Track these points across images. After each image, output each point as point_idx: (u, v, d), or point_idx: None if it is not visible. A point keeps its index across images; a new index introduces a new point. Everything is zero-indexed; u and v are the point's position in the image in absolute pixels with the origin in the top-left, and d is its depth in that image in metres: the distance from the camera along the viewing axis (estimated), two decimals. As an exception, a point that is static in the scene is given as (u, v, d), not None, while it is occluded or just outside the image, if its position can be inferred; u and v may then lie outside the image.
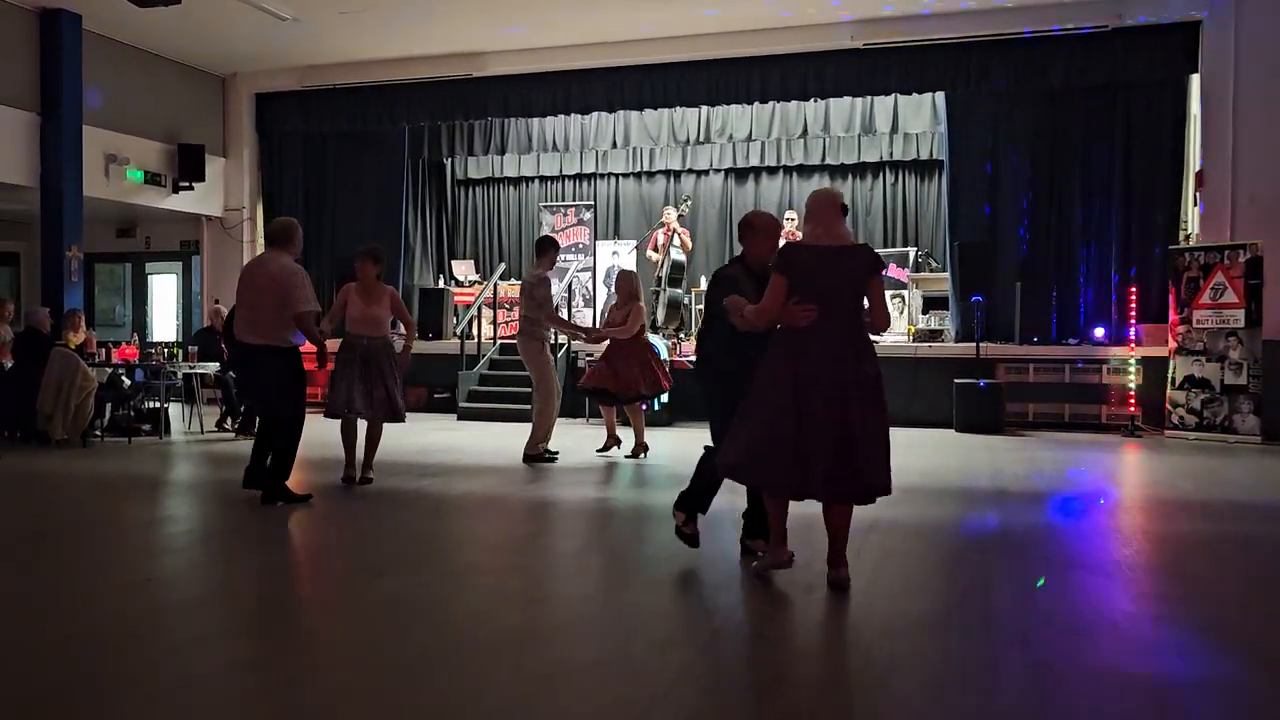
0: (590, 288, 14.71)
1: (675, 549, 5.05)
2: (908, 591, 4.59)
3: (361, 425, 7.36)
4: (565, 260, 14.80)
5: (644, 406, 9.13)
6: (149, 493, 7.54)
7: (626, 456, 8.80)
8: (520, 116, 14.30)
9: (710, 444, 5.01)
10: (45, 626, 4.04)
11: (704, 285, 12.02)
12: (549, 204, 15.95)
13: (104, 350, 10.66)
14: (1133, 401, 10.99)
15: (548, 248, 8.72)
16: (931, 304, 12.93)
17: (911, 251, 13.72)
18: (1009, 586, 4.73)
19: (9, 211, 14.27)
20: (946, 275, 12.62)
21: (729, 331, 4.83)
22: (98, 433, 10.04)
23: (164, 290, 16.14)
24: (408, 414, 7.57)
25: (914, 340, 12.44)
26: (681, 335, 12.84)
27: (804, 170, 15.37)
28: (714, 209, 15.68)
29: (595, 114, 14.36)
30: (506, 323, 14.26)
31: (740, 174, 15.75)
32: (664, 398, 10.22)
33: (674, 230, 13.33)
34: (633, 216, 16.04)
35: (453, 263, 15.99)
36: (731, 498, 5.23)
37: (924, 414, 11.24)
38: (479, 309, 13.35)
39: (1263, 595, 4.70)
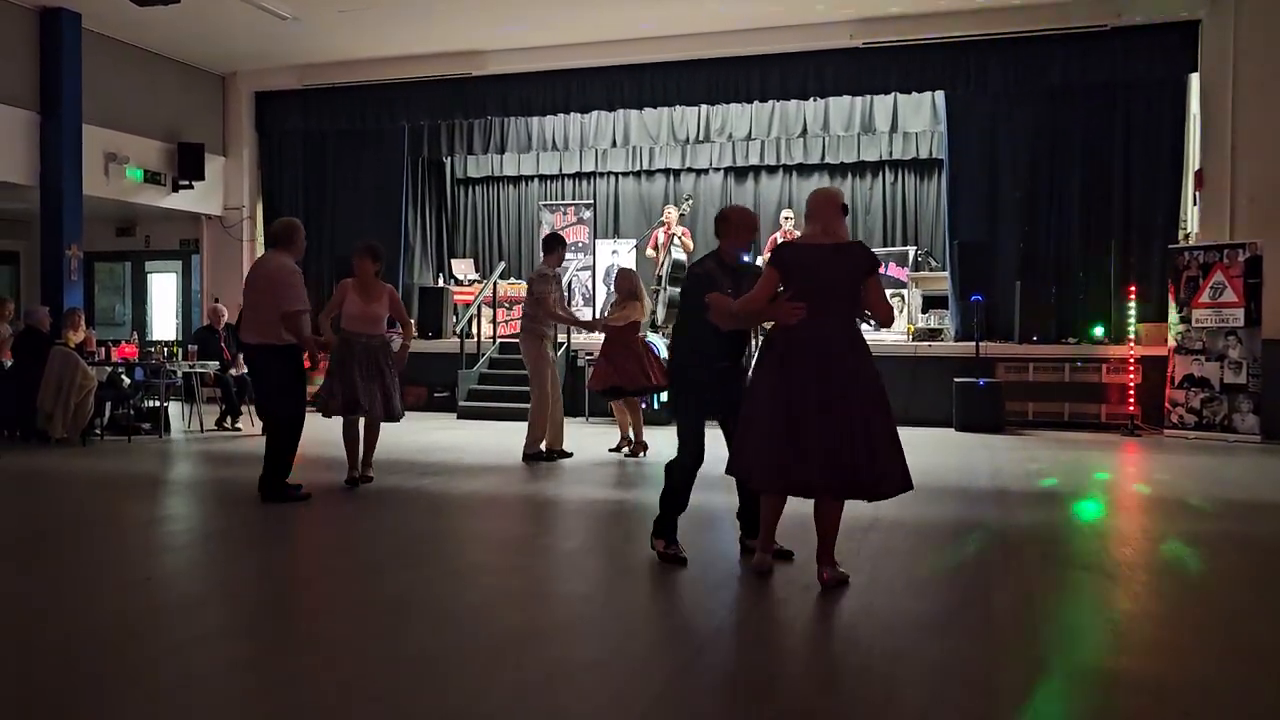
0: (590, 286, 14.70)
1: (675, 547, 5.03)
2: (908, 590, 4.59)
3: (361, 424, 7.34)
4: (565, 259, 14.81)
5: (643, 404, 9.17)
6: (149, 491, 7.54)
7: (626, 455, 8.84)
8: (520, 115, 14.30)
9: (670, 462, 5.03)
10: (45, 626, 4.04)
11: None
12: (549, 203, 15.95)
13: (104, 349, 10.66)
14: (1132, 401, 11.00)
15: (555, 245, 8.74)
16: (931, 303, 12.92)
17: (911, 250, 13.72)
18: (1009, 586, 4.74)
19: (9, 210, 14.27)
20: (946, 274, 12.62)
21: (705, 332, 4.84)
22: (97, 431, 10.04)
23: (164, 289, 16.14)
24: (407, 413, 7.57)
25: (914, 339, 12.44)
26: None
27: (803, 169, 15.38)
28: (714, 208, 15.55)
29: (595, 113, 14.35)
30: (506, 321, 14.26)
31: (740, 173, 15.76)
32: (664, 396, 10.23)
33: (675, 229, 13.33)
34: (632, 215, 16.04)
35: (452, 262, 15.99)
36: (730, 497, 5.22)
37: (924, 413, 11.24)
38: (478, 308, 13.35)
39: (1263, 595, 4.70)
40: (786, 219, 13.41)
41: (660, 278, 13.40)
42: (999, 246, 12.12)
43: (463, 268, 15.62)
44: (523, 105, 13.82)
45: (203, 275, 15.13)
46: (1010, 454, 9.19)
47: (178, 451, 9.50)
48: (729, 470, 4.75)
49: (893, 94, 13.21)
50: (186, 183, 13.83)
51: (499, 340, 13.52)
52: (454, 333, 13.67)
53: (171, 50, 13.64)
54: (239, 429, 10.86)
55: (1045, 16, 11.52)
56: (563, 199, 16.20)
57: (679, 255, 13.23)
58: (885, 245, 14.48)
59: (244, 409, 11.01)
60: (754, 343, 12.12)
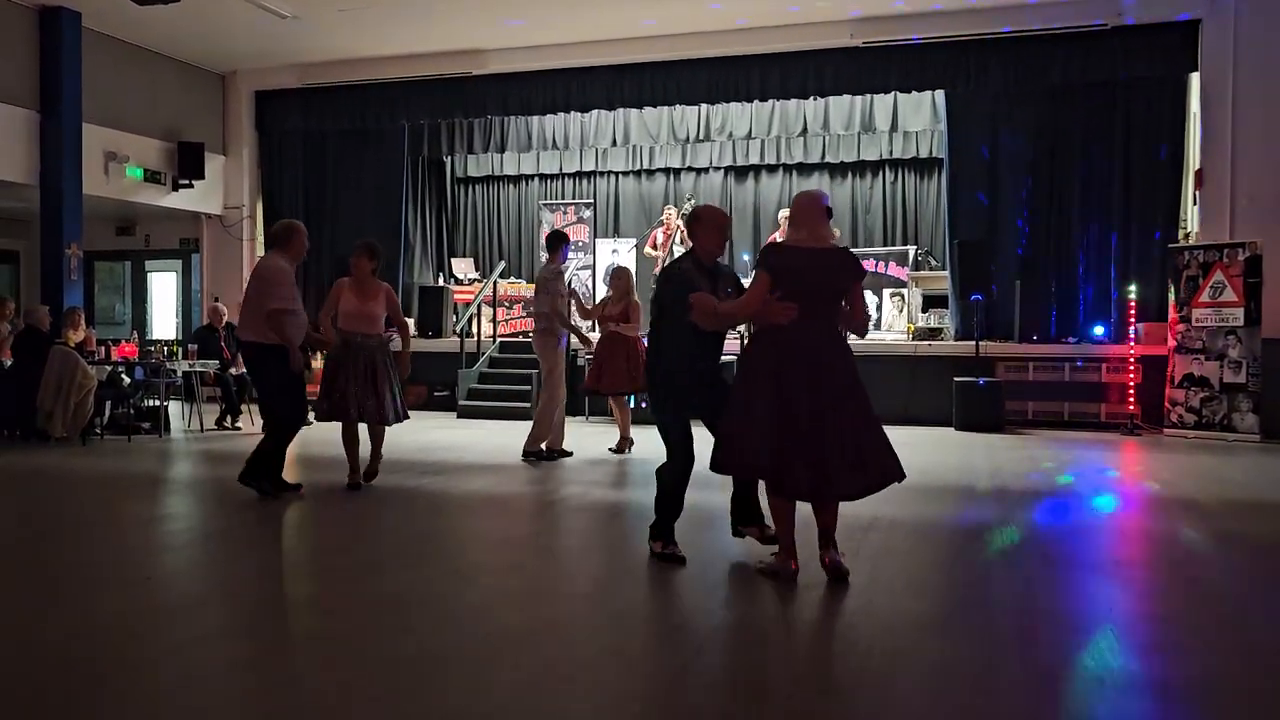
0: (590, 286, 14.70)
1: (675, 546, 5.03)
2: (908, 590, 4.60)
3: (362, 427, 7.21)
4: (566, 258, 14.81)
5: (629, 402, 9.24)
6: (149, 491, 7.54)
7: (610, 450, 8.89)
8: (520, 114, 14.30)
9: (661, 466, 5.00)
10: (45, 625, 4.04)
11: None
12: (549, 202, 15.95)
13: (104, 348, 10.66)
14: (1132, 400, 11.00)
15: (559, 243, 8.73)
16: (931, 302, 12.93)
17: (911, 250, 13.72)
18: (1009, 585, 4.74)
19: (8, 209, 14.27)
20: (946, 273, 12.62)
21: (685, 333, 4.82)
22: (97, 431, 10.04)
23: (163, 288, 16.14)
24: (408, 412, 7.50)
25: (913, 338, 12.44)
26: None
27: (804, 168, 15.37)
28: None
29: (595, 112, 14.36)
30: (506, 321, 14.27)
31: (740, 172, 15.75)
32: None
33: (675, 229, 13.34)
34: (632, 214, 16.05)
35: (452, 261, 15.99)
36: (727, 495, 5.22)
37: (923, 412, 11.25)
38: (478, 307, 13.36)
39: (1263, 594, 4.71)
40: (785, 219, 13.38)
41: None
42: (999, 245, 12.12)
43: (463, 267, 15.62)
44: (523, 104, 13.82)
45: (203, 274, 15.13)
46: (1010, 453, 9.20)
47: (178, 451, 9.50)
48: (714, 467, 4.73)
49: (893, 93, 13.21)
50: (186, 182, 13.83)
51: (499, 339, 13.52)
52: (454, 332, 13.68)
53: (171, 49, 13.64)
54: (239, 428, 10.86)
55: (1045, 16, 11.52)
56: (563, 198, 16.20)
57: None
58: (885, 244, 14.48)
59: (244, 408, 11.01)
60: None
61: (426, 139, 15.28)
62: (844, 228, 14.53)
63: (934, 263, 13.65)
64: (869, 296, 13.25)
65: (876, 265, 13.38)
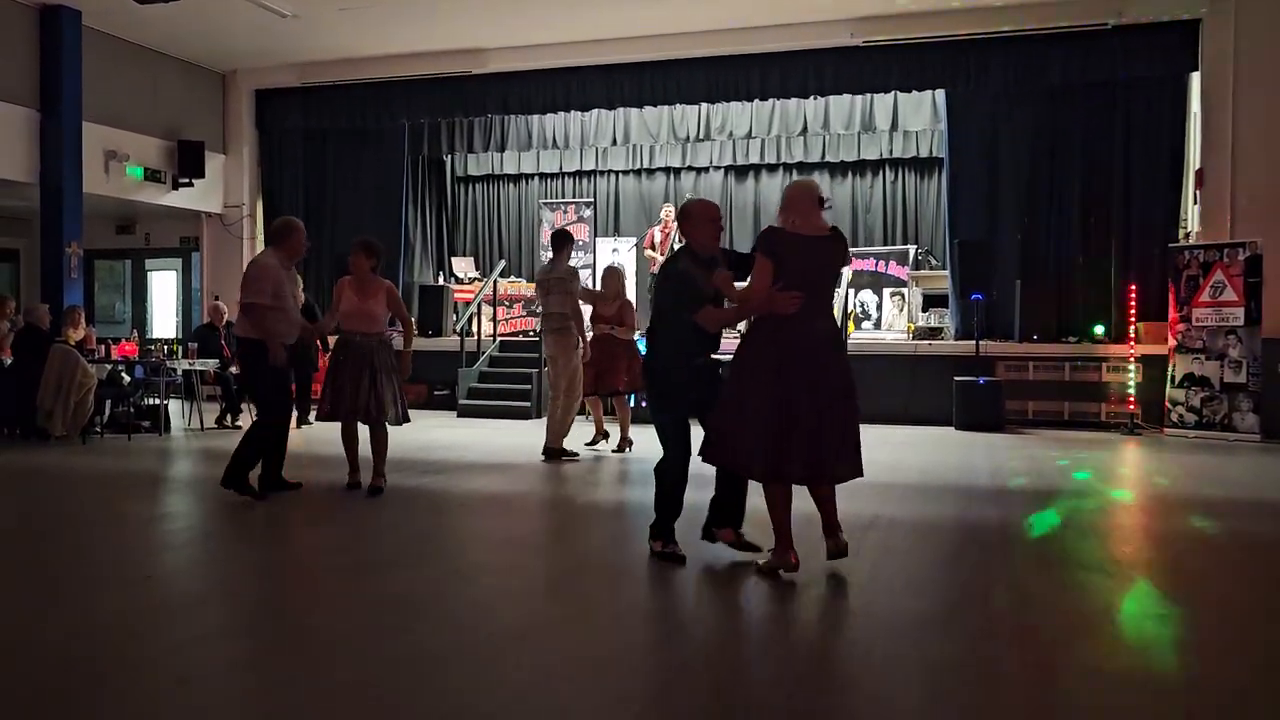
0: (590, 285, 14.69)
1: (675, 546, 5.03)
2: (908, 589, 4.59)
3: (363, 427, 7.07)
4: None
5: (629, 401, 9.24)
6: (149, 489, 7.54)
7: (613, 451, 8.87)
8: (520, 113, 14.30)
9: (660, 464, 4.98)
10: (45, 624, 4.04)
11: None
12: (549, 201, 15.95)
13: (104, 347, 10.66)
14: (1132, 400, 11.00)
15: (565, 242, 8.71)
16: (931, 302, 12.94)
17: (911, 249, 13.72)
18: (1009, 585, 4.74)
19: (9, 208, 14.27)
20: (946, 273, 12.62)
21: (682, 331, 4.82)
22: (97, 429, 10.04)
23: (164, 287, 16.15)
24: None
25: (914, 338, 12.45)
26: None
27: (804, 168, 15.35)
28: (714, 207, 15.66)
29: (595, 111, 14.36)
30: (506, 320, 14.27)
31: (740, 171, 15.75)
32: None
33: (673, 228, 13.32)
34: (632, 213, 16.05)
35: (452, 260, 15.99)
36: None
37: (924, 412, 11.25)
38: (479, 306, 13.36)
39: (1263, 593, 4.70)
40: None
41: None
42: (999, 245, 12.12)
43: (463, 266, 15.62)
44: (523, 103, 13.82)
45: (203, 273, 15.13)
46: (1010, 453, 9.19)
47: (178, 449, 9.50)
48: (706, 458, 4.73)
49: (893, 92, 13.21)
50: (187, 180, 13.83)
51: (499, 339, 13.52)
52: (454, 331, 13.68)
53: (172, 48, 13.64)
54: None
55: (1046, 15, 11.51)
56: (563, 197, 16.20)
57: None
58: (885, 244, 14.48)
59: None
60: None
61: (427, 138, 15.27)
62: (844, 227, 14.52)
63: (934, 262, 13.65)
64: (869, 295, 13.31)
65: (876, 265, 13.39)
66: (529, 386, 12.06)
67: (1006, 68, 11.94)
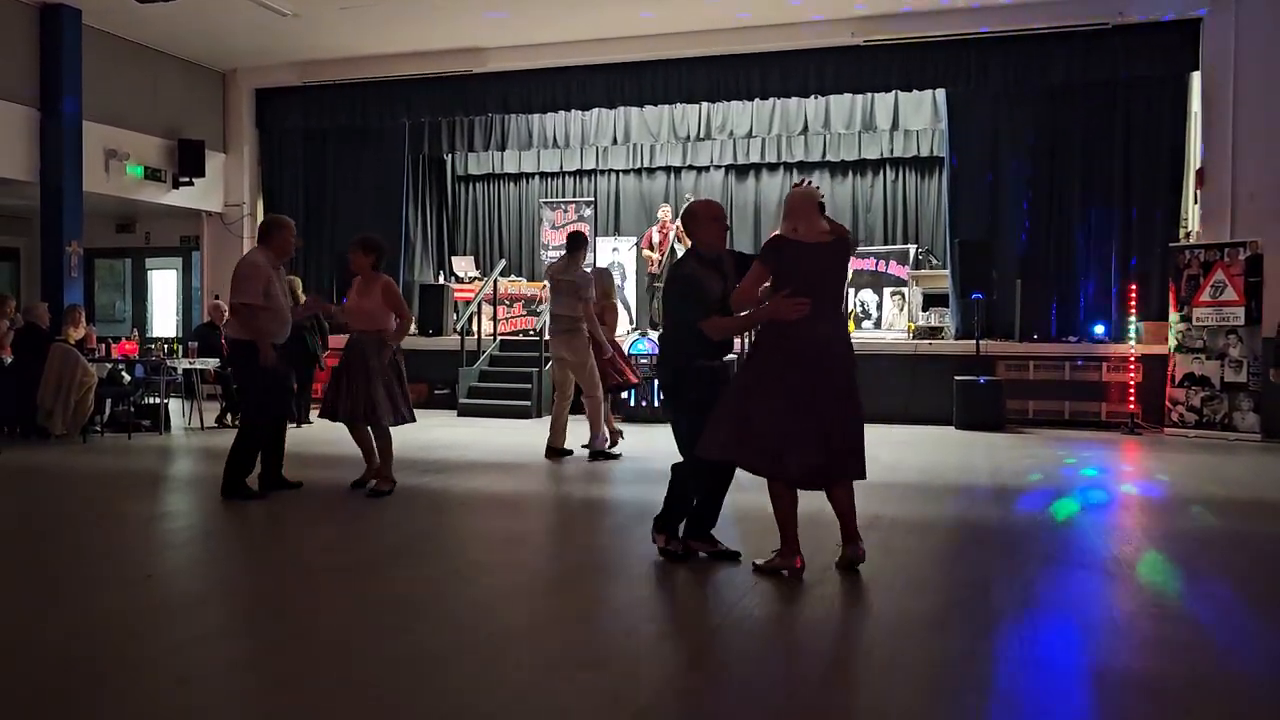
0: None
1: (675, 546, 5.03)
2: (908, 589, 4.59)
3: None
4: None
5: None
6: (149, 488, 7.54)
7: (583, 446, 8.80)
8: (520, 113, 14.28)
9: (677, 462, 4.97)
10: (45, 624, 4.04)
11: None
12: (549, 200, 15.95)
13: (104, 346, 10.66)
14: (1133, 399, 11.00)
15: (581, 244, 8.72)
16: (932, 301, 12.93)
17: (912, 249, 13.72)
18: (1009, 584, 4.74)
19: (9, 207, 14.27)
20: (947, 272, 12.62)
21: (693, 332, 4.77)
22: (98, 428, 10.04)
23: (164, 286, 16.14)
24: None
25: (914, 337, 12.44)
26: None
27: (804, 167, 15.35)
28: (714, 206, 15.64)
29: (595, 110, 14.34)
30: (507, 319, 14.27)
31: (740, 170, 15.75)
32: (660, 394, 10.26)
33: (671, 228, 13.35)
34: (633, 213, 16.04)
35: (453, 259, 15.99)
36: (735, 495, 5.21)
37: (924, 411, 11.25)
38: (479, 305, 13.36)
39: (1263, 593, 4.70)
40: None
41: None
42: (999, 244, 12.12)
43: (463, 265, 15.62)
44: (523, 103, 13.81)
45: (203, 272, 15.13)
46: (1010, 452, 9.19)
47: (178, 448, 9.50)
48: (703, 453, 4.70)
49: (894, 92, 13.20)
50: (187, 179, 13.83)
51: (499, 338, 13.52)
52: (454, 330, 13.67)
53: (172, 47, 13.63)
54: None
55: (1046, 14, 11.50)
56: (563, 196, 16.20)
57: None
58: (886, 243, 14.48)
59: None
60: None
61: (427, 137, 15.26)
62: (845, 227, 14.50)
63: (935, 262, 13.65)
64: (869, 295, 13.31)
65: (877, 264, 13.39)
66: (529, 386, 12.06)
67: (1007, 67, 11.93)
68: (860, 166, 15.14)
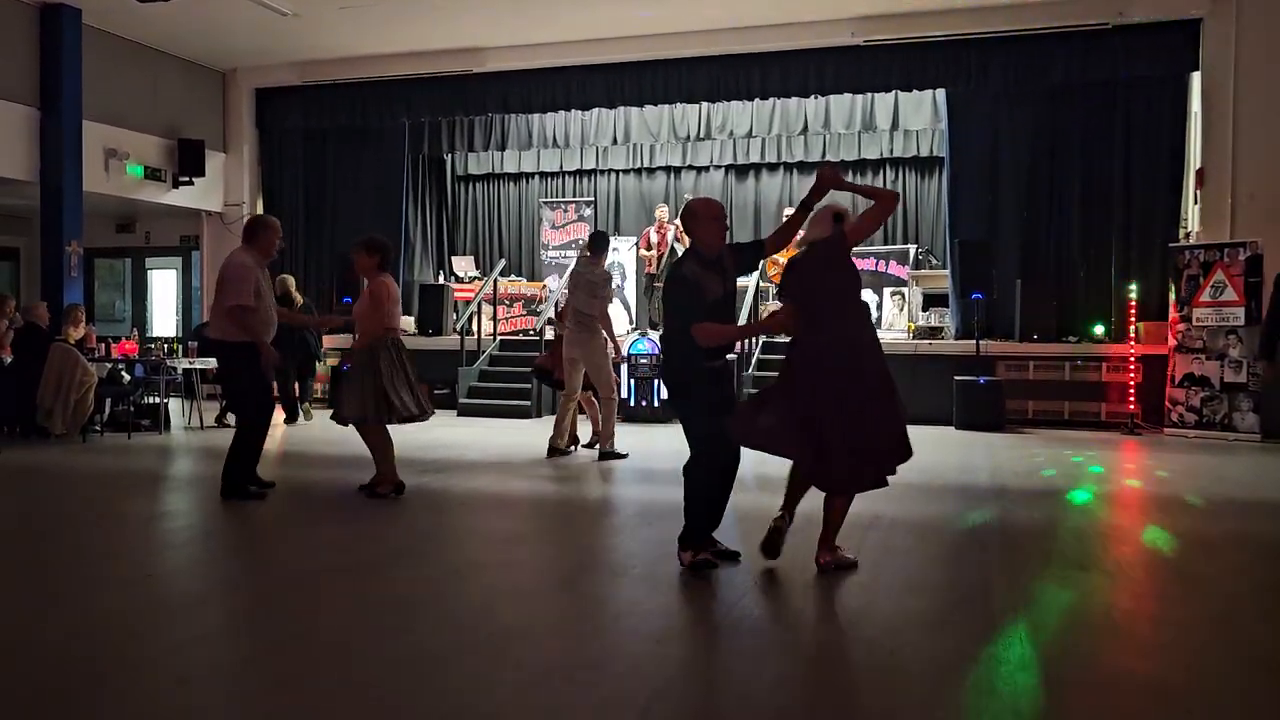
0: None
1: (675, 545, 5.02)
2: (908, 589, 4.59)
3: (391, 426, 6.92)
4: (566, 257, 14.83)
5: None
6: (149, 488, 7.54)
7: (584, 446, 8.89)
8: (520, 112, 14.29)
9: (689, 464, 4.82)
10: (44, 623, 4.04)
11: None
12: (549, 200, 15.95)
13: (104, 345, 10.66)
14: (1132, 399, 11.00)
15: (604, 243, 8.75)
16: (931, 301, 12.94)
17: (912, 249, 13.72)
18: (1009, 585, 4.74)
19: (9, 206, 14.27)
20: (946, 272, 12.62)
21: (694, 340, 4.69)
22: (97, 428, 10.04)
23: (164, 285, 16.14)
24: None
25: (914, 337, 12.44)
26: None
27: (804, 167, 15.36)
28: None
29: (595, 110, 14.35)
30: (507, 319, 14.27)
31: (740, 170, 15.76)
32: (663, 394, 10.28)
33: (668, 228, 13.35)
34: (633, 213, 16.05)
35: (453, 259, 16.00)
36: (741, 495, 5.20)
37: (924, 411, 11.19)
38: (479, 305, 13.36)
39: (1262, 593, 4.71)
40: (788, 217, 13.38)
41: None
42: (999, 245, 12.12)
43: (463, 265, 15.62)
44: (523, 102, 13.81)
45: (203, 272, 15.13)
46: (1010, 452, 9.19)
47: (178, 448, 9.50)
48: (742, 441, 4.75)
49: (894, 92, 13.21)
50: (187, 179, 13.83)
51: (499, 337, 13.52)
52: (454, 330, 13.67)
53: (172, 46, 13.63)
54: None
55: (1046, 14, 11.51)
56: (563, 196, 16.20)
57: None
58: (886, 243, 14.47)
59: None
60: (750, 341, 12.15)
61: (427, 137, 15.26)
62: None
63: (934, 262, 13.65)
64: (869, 295, 13.31)
65: (877, 264, 13.39)
66: (529, 385, 12.06)
67: (1007, 67, 11.94)
68: (860, 166, 15.13)
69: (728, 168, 15.73)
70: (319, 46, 13.50)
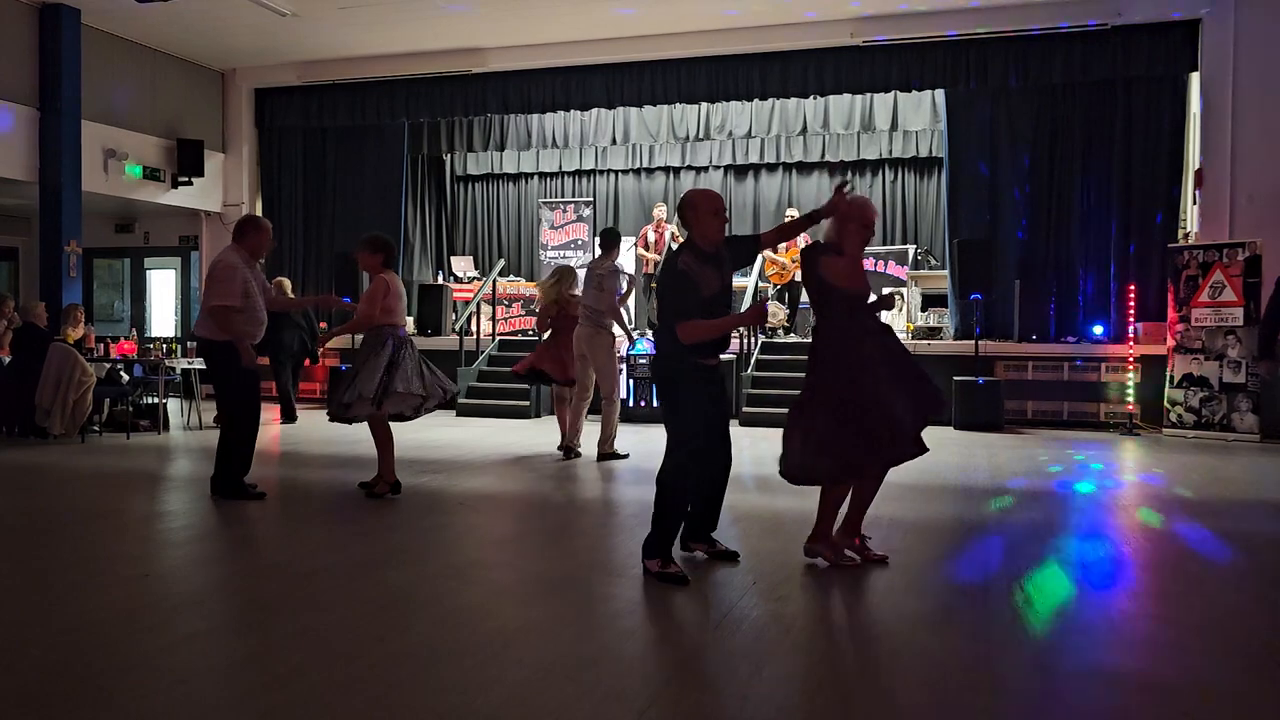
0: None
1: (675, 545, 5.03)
2: (907, 589, 4.59)
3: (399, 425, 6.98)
4: (564, 256, 14.83)
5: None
6: (147, 488, 7.53)
7: (561, 455, 8.79)
8: (520, 112, 14.30)
9: (662, 472, 4.63)
10: (43, 622, 4.03)
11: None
12: (548, 200, 15.95)
13: (103, 345, 10.66)
14: (1131, 399, 11.00)
15: (615, 240, 8.76)
16: (930, 301, 12.95)
17: (911, 249, 13.74)
18: (1008, 585, 4.73)
19: (8, 206, 14.26)
20: (945, 273, 12.63)
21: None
22: (96, 428, 10.03)
23: (163, 285, 16.13)
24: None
25: (913, 337, 12.44)
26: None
27: (803, 167, 15.38)
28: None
29: (595, 110, 14.37)
30: (506, 319, 14.27)
31: (740, 171, 15.77)
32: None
33: (666, 227, 13.35)
34: (632, 213, 16.06)
35: (452, 259, 16.00)
36: (734, 495, 5.21)
37: (923, 411, 11.23)
38: (478, 305, 13.36)
39: (1262, 593, 4.71)
40: (789, 217, 13.40)
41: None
42: (998, 245, 12.13)
43: (462, 265, 15.62)
44: (523, 102, 13.82)
45: (201, 272, 15.10)
46: (1009, 453, 9.19)
47: (176, 448, 9.49)
48: (799, 478, 4.81)
49: (893, 92, 13.22)
50: (186, 179, 13.84)
51: (498, 338, 13.52)
52: (453, 330, 13.67)
53: (171, 46, 13.63)
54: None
55: (1046, 15, 11.52)
56: (562, 196, 16.20)
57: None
58: (885, 243, 14.50)
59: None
60: (755, 338, 12.16)
61: (426, 137, 15.27)
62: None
63: (933, 262, 13.66)
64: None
65: (876, 264, 13.40)
66: (528, 386, 12.05)
67: (1006, 68, 11.94)
68: (859, 167, 15.17)
69: (727, 168, 15.74)
70: (318, 46, 13.50)
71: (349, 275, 12.94)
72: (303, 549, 5.66)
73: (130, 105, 13.21)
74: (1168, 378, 10.73)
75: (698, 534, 4.99)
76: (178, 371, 10.71)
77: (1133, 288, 11.25)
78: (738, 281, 11.22)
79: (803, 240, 12.71)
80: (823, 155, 15.13)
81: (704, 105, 14.17)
